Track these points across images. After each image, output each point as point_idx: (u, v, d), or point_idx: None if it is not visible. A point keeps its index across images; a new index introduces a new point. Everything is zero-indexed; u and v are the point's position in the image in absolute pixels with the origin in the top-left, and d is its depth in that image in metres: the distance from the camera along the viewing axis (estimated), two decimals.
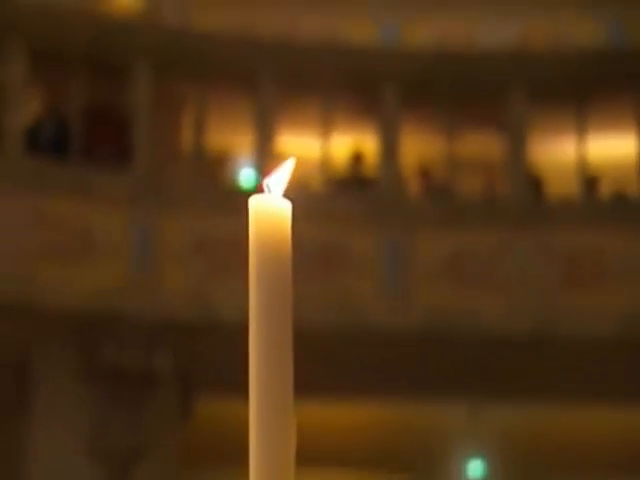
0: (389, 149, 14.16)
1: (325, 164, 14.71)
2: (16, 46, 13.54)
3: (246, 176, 15.47)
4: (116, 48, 14.21)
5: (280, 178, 0.96)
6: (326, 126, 14.45)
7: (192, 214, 13.84)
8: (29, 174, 13.48)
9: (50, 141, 13.95)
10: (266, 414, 0.90)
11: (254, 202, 0.93)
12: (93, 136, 14.09)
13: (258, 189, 0.95)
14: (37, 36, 13.91)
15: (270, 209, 0.91)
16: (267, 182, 0.96)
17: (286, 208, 0.94)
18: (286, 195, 0.92)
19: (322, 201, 14.28)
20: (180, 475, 14.17)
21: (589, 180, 14.72)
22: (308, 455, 14.91)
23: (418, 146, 14.78)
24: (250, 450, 0.87)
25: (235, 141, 15.30)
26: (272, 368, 0.90)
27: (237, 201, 13.42)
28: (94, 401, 13.34)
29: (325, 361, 13.31)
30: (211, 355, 13.50)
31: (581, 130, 14.36)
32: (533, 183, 14.68)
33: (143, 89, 13.87)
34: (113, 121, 14.28)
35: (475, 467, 15.84)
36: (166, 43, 14.67)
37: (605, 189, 14.86)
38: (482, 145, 14.80)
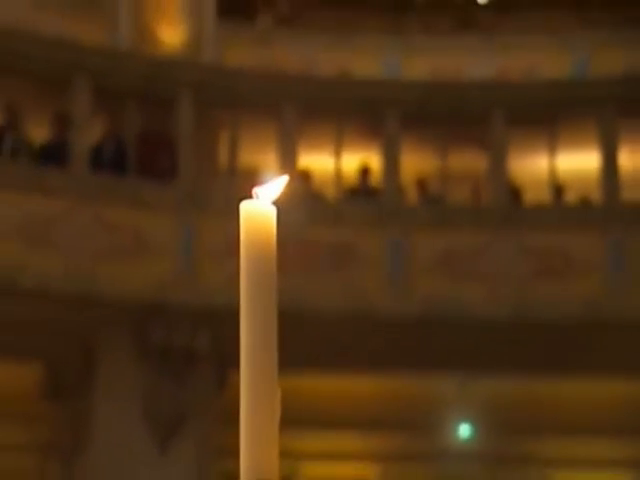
0: (391, 164, 14.13)
1: (338, 177, 14.82)
2: (82, 81, 13.54)
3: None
4: (164, 82, 14.28)
5: (271, 189, 1.04)
6: (338, 146, 14.58)
7: (226, 219, 13.59)
8: (93, 188, 13.48)
9: (110, 160, 14.00)
10: (253, 380, 1.00)
11: (244, 206, 1.04)
12: (145, 156, 14.14)
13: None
14: (99, 73, 13.97)
15: (258, 212, 1.01)
16: (257, 191, 1.06)
17: (272, 212, 1.03)
18: (275, 203, 1.00)
19: (335, 208, 14.50)
20: (218, 434, 13.92)
21: (558, 189, 14.76)
22: (327, 418, 15.23)
23: (415, 162, 14.77)
24: (241, 409, 0.96)
25: (263, 159, 15.13)
26: (258, 343, 0.99)
27: None
28: (146, 375, 13.43)
29: (339, 341, 13.58)
30: (235, 338, 13.63)
31: (552, 148, 14.45)
32: (512, 192, 14.65)
33: (186, 116, 13.89)
34: (162, 143, 14.27)
35: (464, 429, 15.96)
36: (205, 77, 14.74)
37: (571, 196, 14.89)
38: (469, 160, 14.81)
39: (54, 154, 13.92)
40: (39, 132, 14.38)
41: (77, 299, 13.09)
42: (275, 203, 1.02)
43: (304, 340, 13.26)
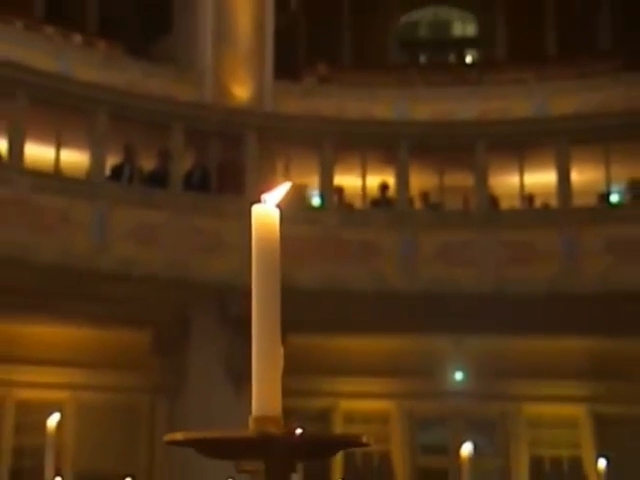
0: (402, 182, 14.22)
1: (363, 192, 14.85)
2: (178, 126, 13.69)
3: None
4: (236, 125, 14.44)
5: (276, 195, 1.04)
6: (363, 169, 14.64)
7: (285, 222, 13.78)
8: (185, 203, 13.62)
9: (198, 182, 14.18)
10: (261, 339, 1.01)
11: (255, 209, 1.04)
12: (223, 179, 14.22)
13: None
14: (190, 119, 14.16)
15: (266, 213, 1.02)
16: (265, 197, 1.05)
17: (276, 213, 1.03)
18: (278, 205, 1.01)
19: (362, 214, 14.66)
20: (281, 381, 13.88)
21: (526, 197, 14.78)
22: (357, 367, 15.30)
23: (420, 180, 14.83)
24: (252, 361, 0.96)
25: (308, 180, 15.19)
26: (266, 312, 1.00)
27: (311, 214, 13.96)
28: (226, 337, 13.47)
29: (365, 311, 13.71)
30: (296, 309, 13.85)
31: (521, 168, 14.43)
32: (491, 200, 14.68)
33: (252, 150, 14.03)
34: (235, 169, 14.25)
35: (458, 375, 15.77)
36: (265, 122, 14.94)
37: (536, 203, 14.92)
38: (459, 178, 14.72)
39: (158, 179, 14.09)
40: (148, 163, 14.53)
41: (176, 283, 13.33)
42: (279, 206, 1.01)
43: (340, 311, 13.48)
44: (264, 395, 0.96)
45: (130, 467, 14.11)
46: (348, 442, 1.07)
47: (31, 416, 13.97)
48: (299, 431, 1.07)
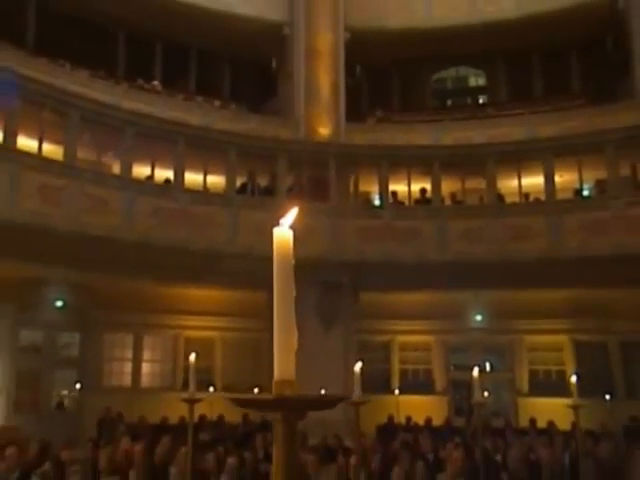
0: (436, 187, 13.99)
1: (409, 195, 14.55)
2: (282, 157, 13.75)
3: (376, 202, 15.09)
4: (322, 154, 14.35)
5: (289, 219, 0.90)
6: (409, 179, 14.26)
7: (355, 218, 13.74)
8: (288, 208, 13.67)
9: (296, 193, 13.98)
10: (280, 322, 0.89)
11: (276, 230, 0.89)
12: (314, 190, 13.98)
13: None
14: (291, 152, 14.07)
15: (282, 233, 0.89)
16: (282, 220, 0.91)
17: (290, 233, 0.89)
18: (291, 226, 0.89)
19: (408, 210, 14.26)
20: (354, 323, 14.04)
21: (523, 194, 14.29)
22: (408, 313, 15.28)
23: (449, 185, 14.58)
24: (274, 338, 0.82)
25: (371, 189, 15.20)
26: (284, 305, 0.89)
27: (374, 211, 13.97)
28: (318, 294, 13.28)
29: (411, 276, 13.43)
30: (365, 275, 13.52)
31: (519, 174, 13.89)
32: (498, 197, 14.27)
33: (333, 170, 13.94)
34: (322, 184, 14.07)
35: (478, 316, 15.85)
36: (342, 150, 14.77)
37: (531, 198, 14.46)
38: (476, 183, 14.40)
39: (270, 192, 14.21)
40: (263, 181, 14.65)
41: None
42: (292, 227, 0.86)
43: (395, 276, 13.56)
44: (282, 365, 0.85)
45: (257, 380, 14.30)
46: (333, 401, 0.97)
47: (194, 348, 14.46)
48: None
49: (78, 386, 14.28)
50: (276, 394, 0.91)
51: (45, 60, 14.39)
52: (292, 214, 1.01)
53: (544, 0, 16.31)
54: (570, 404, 5.73)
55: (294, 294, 0.93)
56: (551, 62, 17.76)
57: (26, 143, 11.42)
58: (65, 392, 14.62)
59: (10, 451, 7.20)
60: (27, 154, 11.17)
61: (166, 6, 15.40)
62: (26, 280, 13.18)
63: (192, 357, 4.28)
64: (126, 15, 15.66)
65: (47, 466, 7.05)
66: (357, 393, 3.91)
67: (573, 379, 6.42)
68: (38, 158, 11.30)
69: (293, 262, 0.93)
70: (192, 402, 4.20)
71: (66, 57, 14.82)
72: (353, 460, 6.56)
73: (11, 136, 10.75)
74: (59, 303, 14.11)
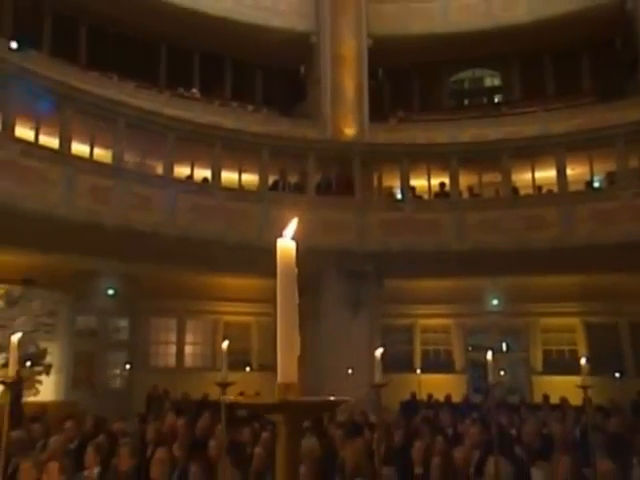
0: (454, 181, 13.82)
1: (429, 189, 14.41)
2: (311, 155, 13.74)
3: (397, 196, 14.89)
4: (347, 152, 14.25)
5: (290, 231, 0.91)
6: (428, 174, 14.15)
7: (379, 211, 13.71)
8: (317, 202, 13.33)
9: (324, 188, 14.13)
10: (284, 328, 0.88)
11: (279, 242, 0.90)
12: (341, 186, 14.08)
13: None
14: (318, 151, 14.06)
15: (285, 244, 0.91)
16: (284, 232, 0.91)
17: (292, 245, 0.91)
18: (292, 237, 0.88)
19: (428, 203, 14.14)
20: (379, 307, 14.01)
21: (538, 187, 14.18)
22: (429, 298, 15.16)
23: (467, 180, 14.54)
24: (277, 344, 0.83)
25: (393, 184, 15.04)
26: (287, 311, 0.89)
27: (396, 205, 13.90)
28: (344, 282, 13.26)
29: (432, 264, 13.28)
30: (389, 263, 13.37)
31: (532, 168, 13.79)
32: (513, 190, 14.01)
33: (357, 167, 13.89)
34: (347, 180, 14.05)
35: (495, 300, 15.66)
36: (366, 149, 14.68)
37: (544, 190, 14.22)
38: (492, 177, 14.22)
39: (300, 188, 14.14)
40: (293, 179, 14.75)
41: (312, 251, 12.59)
42: (293, 238, 0.87)
43: (416, 264, 13.34)
44: (285, 369, 0.86)
45: None
46: (332, 405, 0.93)
47: (232, 332, 14.64)
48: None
49: (128, 366, 14.76)
50: (279, 398, 0.88)
51: (96, 74, 14.80)
52: (293, 225, 0.98)
53: (555, 4, 16.04)
54: (580, 384, 5.65)
55: (297, 301, 0.93)
56: (562, 62, 17.42)
57: (79, 148, 11.76)
58: (117, 371, 14.99)
59: (69, 424, 7.42)
60: (80, 158, 11.53)
61: (203, 21, 15.48)
62: (81, 272, 13.56)
63: (224, 344, 4.26)
64: (167, 30, 15.81)
65: (101, 438, 7.16)
66: (378, 376, 3.94)
67: (583, 361, 6.34)
68: (90, 162, 11.66)
69: (296, 271, 0.93)
70: (224, 386, 4.20)
71: (114, 70, 15.23)
72: (377, 435, 6.57)
73: (66, 142, 11.13)
74: (110, 292, 14.53)
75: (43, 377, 11.34)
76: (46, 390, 11.73)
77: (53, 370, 11.64)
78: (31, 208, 10.11)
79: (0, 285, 11.88)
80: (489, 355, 5.31)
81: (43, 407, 10.64)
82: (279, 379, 0.87)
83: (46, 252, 12.06)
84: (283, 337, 0.90)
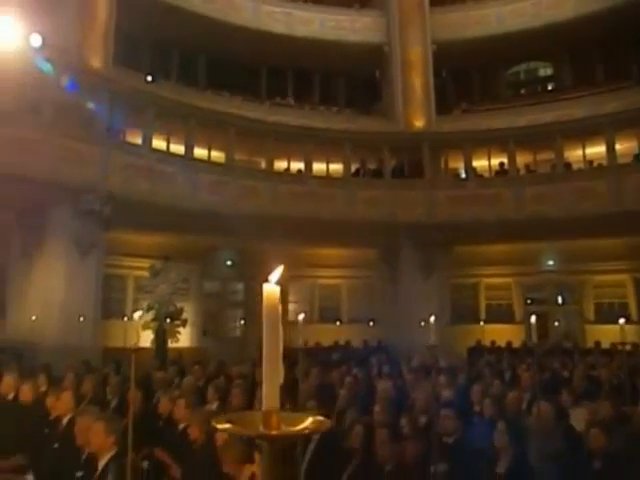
0: (512, 161, 13.01)
1: (489, 168, 13.81)
2: (386, 147, 13.32)
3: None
4: (417, 142, 13.69)
5: (275, 277, 0.84)
6: (489, 155, 13.61)
7: (446, 189, 13.18)
8: (392, 184, 13.14)
9: (398, 172, 13.66)
10: (268, 360, 0.81)
11: (265, 286, 0.83)
12: (411, 169, 13.61)
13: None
14: (392, 142, 13.58)
15: (270, 289, 0.81)
16: (270, 277, 0.85)
17: (276, 289, 0.83)
18: (277, 282, 0.82)
19: (488, 180, 13.31)
20: (449, 270, 13.44)
21: (587, 162, 13.14)
22: (491, 261, 14.30)
23: (524, 159, 13.67)
24: (263, 373, 0.78)
25: (458, 165, 14.18)
26: (271, 349, 0.80)
27: (461, 183, 13.12)
28: (420, 252, 12.88)
29: (493, 232, 12.53)
30: (457, 233, 12.69)
31: (583, 145, 12.94)
32: (566, 165, 12.91)
33: (426, 153, 13.38)
34: (418, 165, 13.34)
35: (550, 260, 14.57)
36: (433, 137, 14.04)
37: (595, 164, 13.10)
38: (547, 155, 13.40)
39: (378, 174, 13.84)
40: (371, 165, 14.32)
41: (388, 224, 12.75)
42: (278, 282, 0.82)
43: (480, 232, 12.68)
44: (269, 397, 0.80)
45: (373, 314, 14.49)
46: (308, 434, 0.82)
47: (326, 292, 14.59)
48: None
49: (243, 321, 15.26)
50: (264, 425, 0.79)
51: (210, 93, 15.35)
52: (277, 273, 0.86)
53: (598, 1, 14.53)
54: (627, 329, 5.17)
55: (281, 337, 0.82)
56: (607, 50, 15.82)
57: (200, 152, 12.36)
58: (235, 324, 15.57)
59: (196, 367, 7.70)
60: (200, 160, 12.14)
61: (295, 42, 15.50)
62: (206, 247, 14.18)
63: (300, 316, 4.15)
64: (266, 54, 15.92)
65: (221, 379, 7.32)
66: (433, 339, 4.05)
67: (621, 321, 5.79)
68: (208, 163, 12.33)
69: (280, 311, 0.82)
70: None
71: (225, 89, 15.64)
72: (442, 379, 6.36)
73: (189, 149, 11.82)
74: (229, 263, 15.06)
75: (180, 329, 11.94)
76: (183, 338, 12.38)
77: (187, 324, 12.25)
78: (164, 203, 10.77)
79: (146, 260, 12.56)
80: (532, 319, 4.83)
81: (180, 352, 11.29)
82: (264, 407, 0.79)
83: (179, 234, 12.73)
84: (267, 370, 0.82)
